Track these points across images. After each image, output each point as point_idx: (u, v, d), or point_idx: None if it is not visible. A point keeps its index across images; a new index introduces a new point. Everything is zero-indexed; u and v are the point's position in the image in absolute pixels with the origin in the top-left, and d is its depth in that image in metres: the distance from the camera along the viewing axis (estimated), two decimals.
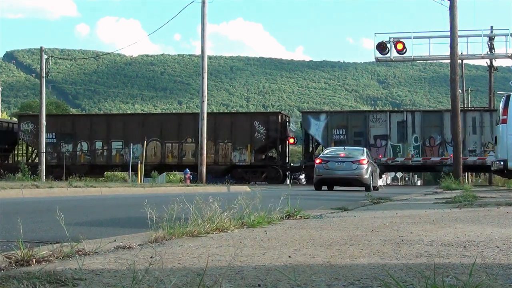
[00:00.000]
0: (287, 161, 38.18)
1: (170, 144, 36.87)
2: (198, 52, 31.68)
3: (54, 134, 37.81)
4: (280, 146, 36.86)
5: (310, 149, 37.21)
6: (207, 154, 33.30)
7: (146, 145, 34.61)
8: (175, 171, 45.89)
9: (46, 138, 36.76)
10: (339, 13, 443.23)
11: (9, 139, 40.13)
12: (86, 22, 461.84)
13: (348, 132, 34.98)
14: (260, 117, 37.02)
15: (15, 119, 45.72)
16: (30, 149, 40.64)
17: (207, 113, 28.96)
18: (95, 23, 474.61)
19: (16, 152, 41.49)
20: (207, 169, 37.28)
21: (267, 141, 35.99)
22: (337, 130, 35.16)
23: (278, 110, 45.05)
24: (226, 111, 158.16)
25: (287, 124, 38.05)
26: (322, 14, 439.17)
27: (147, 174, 37.50)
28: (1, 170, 27.96)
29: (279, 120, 36.59)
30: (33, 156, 39.77)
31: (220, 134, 35.94)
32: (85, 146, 37.53)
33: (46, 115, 35.82)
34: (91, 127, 37.73)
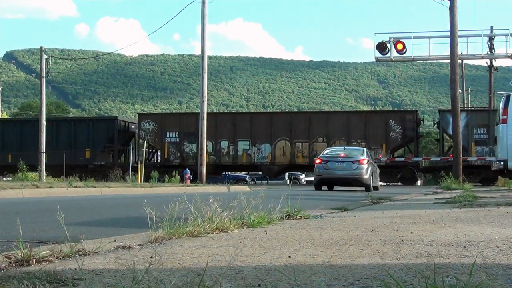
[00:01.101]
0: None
1: (300, 144, 35.53)
2: (198, 52, 31.69)
3: (177, 133, 36.68)
4: (413, 145, 35.53)
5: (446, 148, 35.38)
6: None
7: (274, 144, 34.12)
8: (305, 172, 44.18)
9: (169, 137, 36.28)
10: (339, 13, 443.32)
11: (124, 138, 38.56)
12: (86, 22, 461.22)
13: (489, 131, 33.28)
14: (396, 116, 35.60)
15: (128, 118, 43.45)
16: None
17: (340, 111, 27.81)
18: (95, 23, 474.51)
19: (130, 151, 40.91)
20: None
21: (403, 141, 34.76)
22: (478, 130, 33.73)
23: (415, 109, 43.90)
24: (227, 111, 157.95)
25: (421, 123, 37.04)
26: (321, 14, 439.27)
27: (275, 175, 36.50)
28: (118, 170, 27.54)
29: (415, 119, 35.31)
30: (149, 157, 38.20)
31: (353, 133, 34.82)
32: (210, 145, 35.89)
33: (169, 114, 34.33)
34: (216, 126, 36.11)
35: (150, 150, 38.14)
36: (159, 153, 38.13)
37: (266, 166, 35.75)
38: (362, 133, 34.93)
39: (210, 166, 35.61)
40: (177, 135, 36.65)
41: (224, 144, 36.25)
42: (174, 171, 29.70)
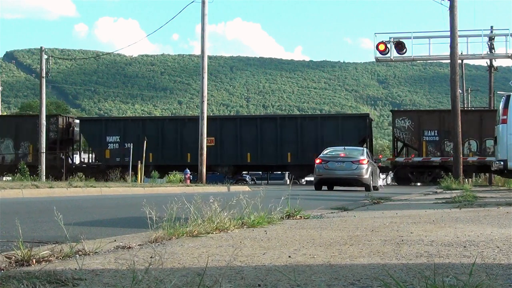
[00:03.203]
0: None
1: None
2: (197, 52, 31.93)
3: (436, 131, 33.97)
4: None
5: None
6: None
7: None
8: None
9: (427, 136, 33.96)
10: (338, 13, 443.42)
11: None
12: (85, 22, 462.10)
13: (440, 133, 32.84)
14: None
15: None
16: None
17: None
18: (94, 23, 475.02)
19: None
20: None
21: None
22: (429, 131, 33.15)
23: None
24: (227, 111, 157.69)
25: None
26: (320, 14, 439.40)
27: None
28: None
29: None
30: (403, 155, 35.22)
31: None
32: (473, 144, 33.66)
33: (427, 111, 32.18)
34: (480, 124, 33.40)
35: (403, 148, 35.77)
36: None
37: None
38: None
39: (473, 166, 33.67)
40: (436, 134, 34.16)
41: (489, 143, 33.44)
42: (431, 171, 28.67)
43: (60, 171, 34.56)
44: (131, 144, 33.10)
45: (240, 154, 35.28)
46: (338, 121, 35.83)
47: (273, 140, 34.84)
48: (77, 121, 39.47)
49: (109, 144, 36.42)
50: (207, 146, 32.22)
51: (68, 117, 40.27)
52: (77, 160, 39.98)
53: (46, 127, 35.69)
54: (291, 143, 33.88)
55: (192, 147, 34.03)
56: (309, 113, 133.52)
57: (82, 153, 39.33)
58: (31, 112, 64.97)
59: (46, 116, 37.65)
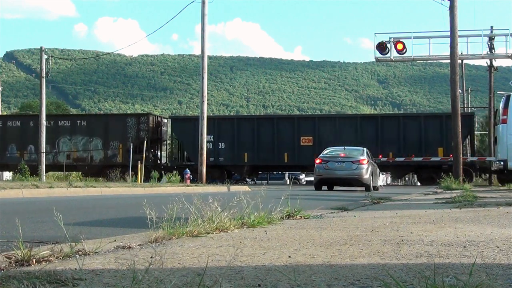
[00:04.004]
0: None
1: None
2: (196, 52, 31.83)
3: None
4: None
5: None
6: None
7: None
8: None
9: None
10: (338, 13, 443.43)
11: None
12: (85, 22, 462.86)
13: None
14: None
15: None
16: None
17: None
18: (94, 23, 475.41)
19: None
20: None
21: None
22: None
23: None
24: (227, 111, 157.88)
25: None
26: (321, 14, 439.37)
27: None
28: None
29: None
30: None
31: None
32: None
33: None
34: None
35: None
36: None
37: None
38: None
39: None
40: None
41: None
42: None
43: (149, 171, 33.87)
44: (131, 144, 32.91)
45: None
46: (442, 120, 34.32)
47: (374, 139, 33.66)
48: (165, 120, 38.43)
49: None
50: (304, 146, 31.82)
51: (157, 116, 38.96)
52: (163, 160, 39.04)
53: (137, 127, 35.25)
54: (392, 143, 32.61)
55: (289, 147, 33.79)
56: (309, 113, 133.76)
57: (170, 153, 38.00)
58: (31, 112, 64.99)
59: (136, 115, 36.80)
